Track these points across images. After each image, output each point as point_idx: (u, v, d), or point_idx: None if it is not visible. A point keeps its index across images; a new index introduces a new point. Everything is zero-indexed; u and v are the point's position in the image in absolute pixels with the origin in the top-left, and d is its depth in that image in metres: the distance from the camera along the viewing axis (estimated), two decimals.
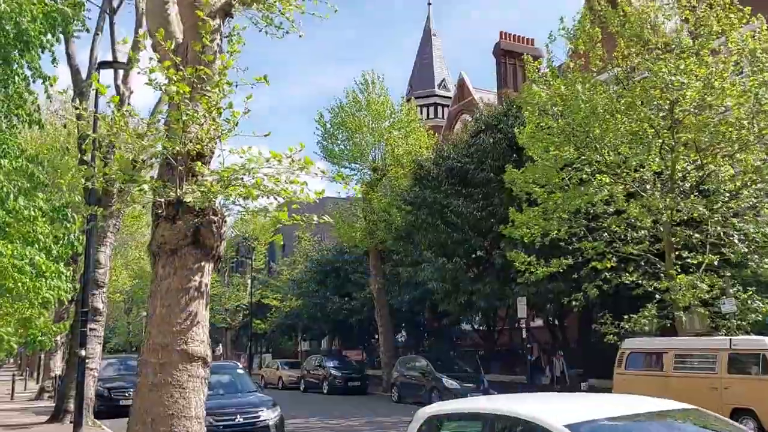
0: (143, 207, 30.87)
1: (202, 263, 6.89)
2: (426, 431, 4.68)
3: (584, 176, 15.56)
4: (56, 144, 21.61)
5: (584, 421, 3.59)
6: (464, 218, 20.96)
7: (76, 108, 7.83)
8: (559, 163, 15.29)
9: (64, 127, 23.48)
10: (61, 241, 13.69)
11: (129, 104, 17.00)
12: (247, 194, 6.54)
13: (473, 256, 21.40)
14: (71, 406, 15.95)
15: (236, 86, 6.81)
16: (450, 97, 50.90)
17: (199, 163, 6.98)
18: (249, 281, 51.51)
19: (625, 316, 15.73)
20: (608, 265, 14.95)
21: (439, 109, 55.55)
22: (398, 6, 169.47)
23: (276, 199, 7.00)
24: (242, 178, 6.60)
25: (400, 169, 25.89)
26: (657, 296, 15.11)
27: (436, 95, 56.35)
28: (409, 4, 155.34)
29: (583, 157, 15.08)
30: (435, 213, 22.00)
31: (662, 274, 15.16)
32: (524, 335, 20.09)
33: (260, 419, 9.51)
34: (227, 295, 50.31)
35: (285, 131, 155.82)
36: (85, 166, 7.27)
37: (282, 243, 7.03)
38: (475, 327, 27.66)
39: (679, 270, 14.79)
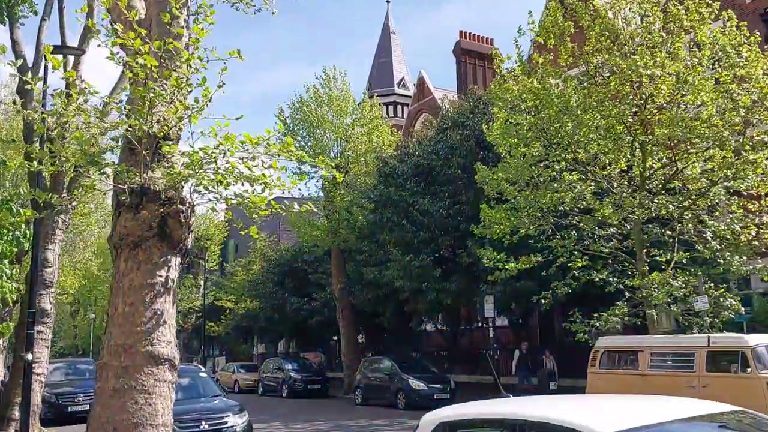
0: (94, 205, 29.67)
1: (169, 257, 6.32)
2: None
3: (554, 174, 15.39)
4: None
5: (635, 428, 3.18)
6: (430, 217, 20.64)
7: (27, 83, 7.13)
8: (528, 159, 15.06)
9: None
10: (5, 237, 12.80)
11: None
12: (221, 180, 6.00)
13: (439, 254, 21.11)
14: (16, 414, 14.98)
15: (207, 61, 6.24)
16: (410, 96, 50.71)
17: (166, 147, 6.41)
18: (202, 282, 50.26)
19: (595, 314, 15.65)
20: (579, 264, 14.80)
21: (399, 108, 55.26)
22: (357, 5, 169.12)
23: (251, 186, 6.47)
24: (216, 162, 6.05)
25: (363, 166, 25.42)
26: (627, 294, 15.06)
27: (396, 94, 56.08)
28: (368, 3, 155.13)
29: (554, 154, 14.89)
30: (401, 211, 21.62)
31: (633, 272, 15.10)
32: (491, 334, 19.88)
33: (227, 425, 8.92)
34: (179, 297, 48.93)
35: (232, 130, 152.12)
36: (38, 148, 6.56)
37: (256, 234, 6.49)
38: (439, 327, 27.39)
39: (649, 268, 14.75)
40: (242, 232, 6.85)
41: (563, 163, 15.41)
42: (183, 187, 6.34)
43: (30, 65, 16.83)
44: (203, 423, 8.48)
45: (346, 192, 25.59)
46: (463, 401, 19.56)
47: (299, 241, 35.37)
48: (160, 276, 6.19)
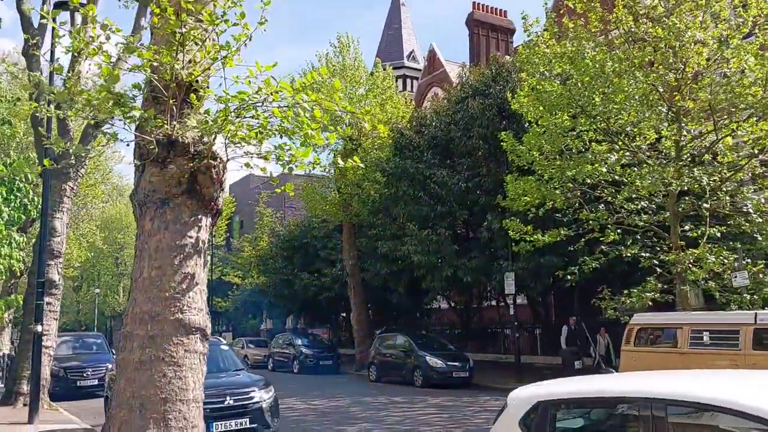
0: (100, 176, 29.06)
1: (199, 216, 5.76)
2: (537, 423, 3.64)
3: (582, 144, 14.75)
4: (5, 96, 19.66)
5: None
6: (448, 190, 20.00)
7: (30, 42, 6.46)
8: (558, 129, 14.38)
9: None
10: (12, 203, 12.24)
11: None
12: (261, 129, 5.39)
13: (457, 230, 20.53)
14: (24, 388, 14.54)
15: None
16: (419, 70, 49.72)
17: (194, 96, 5.81)
18: (208, 258, 49.73)
19: (625, 291, 15.11)
20: (611, 238, 14.20)
21: (408, 81, 54.28)
22: None
23: (289, 139, 5.86)
24: (255, 110, 5.43)
25: (376, 139, 24.72)
26: (658, 270, 14.50)
27: (405, 67, 55.05)
28: None
29: (583, 123, 14.21)
30: (416, 184, 20.98)
31: (665, 247, 14.52)
32: (511, 312, 19.34)
33: (253, 401, 8.39)
34: None
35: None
36: (56, 89, 5.93)
37: (291, 191, 5.90)
38: (452, 305, 26.89)
39: (684, 243, 14.17)
40: (278, 190, 6.22)
41: (591, 133, 14.75)
42: (215, 139, 5.75)
43: (36, 26, 16.13)
44: (228, 398, 7.96)
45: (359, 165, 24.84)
46: (482, 380, 19.32)
47: (308, 216, 34.81)
48: (190, 237, 5.63)
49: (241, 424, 8.17)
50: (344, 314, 35.47)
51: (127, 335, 5.42)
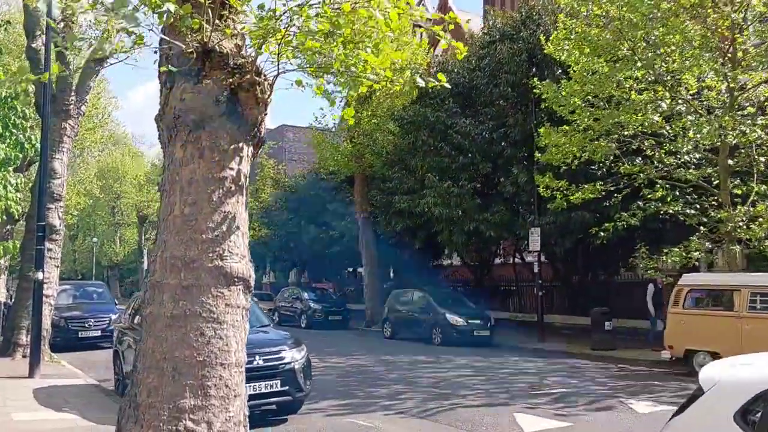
0: (98, 120, 27.83)
1: (240, 144, 4.79)
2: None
3: (627, 91, 13.68)
4: None
5: None
6: (471, 140, 18.97)
7: None
8: (606, 73, 13.26)
9: None
10: (8, 140, 11.20)
11: None
12: (329, 31, 4.38)
13: (479, 182, 19.56)
14: (23, 339, 13.77)
15: None
16: (429, 20, 47.94)
17: None
18: None
19: (665, 250, 14.28)
20: (660, 194, 13.28)
21: (417, 31, 52.33)
22: None
23: (356, 50, 4.84)
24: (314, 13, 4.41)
25: (392, 85, 23.41)
26: (701, 228, 13.63)
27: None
28: None
29: (637, 66, 13.11)
30: (437, 134, 19.92)
31: (711, 204, 13.61)
32: (536, 269, 18.51)
33: (284, 361, 7.56)
34: None
35: None
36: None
37: (352, 119, 4.91)
38: (467, 261, 26.10)
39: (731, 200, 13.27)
40: (334, 116, 5.22)
41: (631, 81, 13.68)
42: (261, 50, 4.74)
43: None
44: (257, 359, 7.13)
45: (373, 114, 23.75)
46: (502, 339, 18.64)
47: (316, 167, 33.75)
48: (230, 169, 4.68)
49: (272, 386, 7.36)
50: (351, 269, 34.79)
51: (155, 285, 4.52)
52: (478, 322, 17.96)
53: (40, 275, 11.37)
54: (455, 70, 20.66)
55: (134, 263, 63.25)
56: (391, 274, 31.79)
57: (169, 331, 4.38)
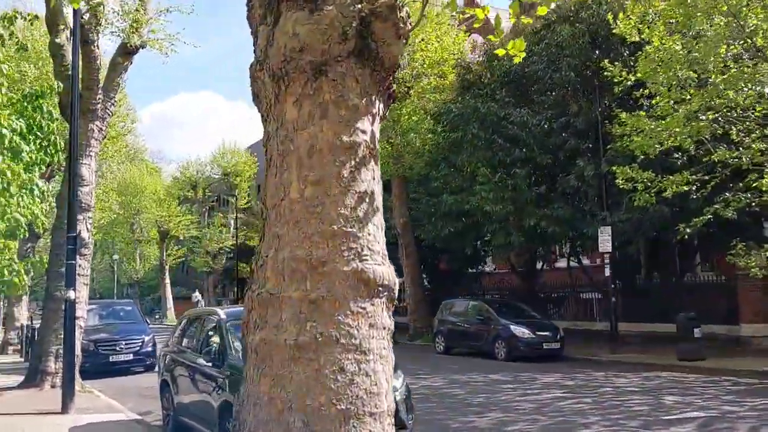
0: (123, 126, 26.75)
1: (372, 97, 3.47)
2: None
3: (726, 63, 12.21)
4: None
5: None
6: (527, 132, 17.55)
7: None
8: (708, 45, 11.76)
9: None
10: (32, 143, 9.98)
11: None
12: None
13: (537, 177, 18.12)
14: (51, 366, 12.55)
15: None
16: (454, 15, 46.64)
17: None
18: (232, 222, 47.80)
19: (765, 245, 12.78)
20: None
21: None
22: None
23: None
24: None
25: (434, 79, 22.15)
26: None
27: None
28: None
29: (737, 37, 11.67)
30: (488, 126, 18.53)
31: None
32: (607, 273, 16.98)
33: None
34: (208, 237, 46.65)
35: (235, 76, 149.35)
36: None
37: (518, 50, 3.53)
38: (515, 267, 24.61)
39: None
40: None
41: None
42: None
43: None
44: None
45: (412, 111, 22.43)
46: (569, 350, 17.11)
47: None
48: (363, 132, 3.37)
49: None
50: None
51: (268, 300, 3.21)
52: (548, 333, 16.47)
53: (72, 294, 10.10)
54: (504, 58, 19.24)
55: (155, 280, 62.41)
56: (426, 283, 30.43)
57: (294, 366, 3.06)
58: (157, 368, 9.22)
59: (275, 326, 3.12)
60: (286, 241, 3.17)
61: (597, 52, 16.71)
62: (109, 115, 13.65)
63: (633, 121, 13.15)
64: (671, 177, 13.28)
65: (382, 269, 3.22)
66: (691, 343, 14.49)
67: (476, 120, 18.63)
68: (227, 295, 58.50)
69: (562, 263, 24.84)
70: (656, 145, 12.70)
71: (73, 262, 10.25)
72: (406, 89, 22.52)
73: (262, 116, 3.54)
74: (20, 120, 9.43)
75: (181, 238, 49.04)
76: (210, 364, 6.95)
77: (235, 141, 65.69)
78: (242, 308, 7.81)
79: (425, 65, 22.09)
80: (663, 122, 12.41)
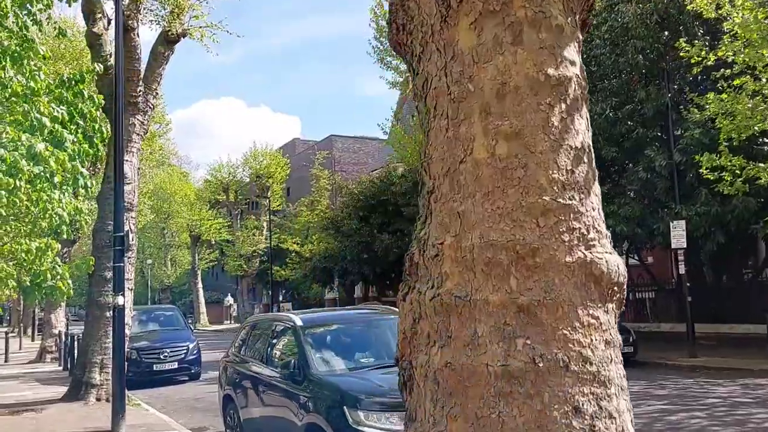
0: (161, 126, 26.12)
1: (576, 17, 2.44)
2: None
3: None
4: None
5: None
6: (592, 121, 16.35)
7: None
8: None
9: None
10: (73, 132, 9.13)
11: None
12: None
13: (601, 171, 16.92)
14: (96, 377, 11.78)
15: None
16: None
17: None
18: (265, 224, 47.15)
19: None
20: None
21: None
22: None
23: None
24: None
25: None
26: None
27: None
28: None
29: None
30: None
31: None
32: (681, 270, 15.72)
33: None
34: (241, 240, 46.02)
35: (256, 82, 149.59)
36: None
37: None
38: None
39: None
40: None
41: None
42: None
43: None
44: None
45: None
46: (649, 356, 15.96)
47: (383, 170, 31.60)
48: (572, 62, 2.32)
49: None
50: None
51: (448, 307, 2.21)
52: (622, 336, 15.25)
53: (120, 300, 9.26)
54: None
55: (186, 285, 62.09)
56: None
57: (505, 406, 2.05)
58: (218, 381, 8.30)
59: (467, 344, 2.13)
60: (472, 222, 2.18)
61: (666, 33, 15.50)
62: (150, 108, 12.85)
63: (720, 104, 11.95)
64: (761, 164, 12.08)
65: (615, 259, 2.21)
66: None
67: None
68: (260, 299, 57.94)
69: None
70: (756, 127, 11.49)
71: (122, 264, 9.42)
72: None
73: (412, 56, 2.55)
74: (61, 107, 8.62)
75: (213, 242, 48.46)
76: (287, 379, 6.02)
77: (266, 142, 65.17)
78: (314, 313, 6.68)
79: None
80: (734, 99, 11.22)
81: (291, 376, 5.94)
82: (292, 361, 5.96)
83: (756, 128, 11.57)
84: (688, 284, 15.60)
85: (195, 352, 15.73)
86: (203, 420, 10.49)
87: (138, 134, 12.42)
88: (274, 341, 6.84)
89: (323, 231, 36.22)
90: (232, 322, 60.44)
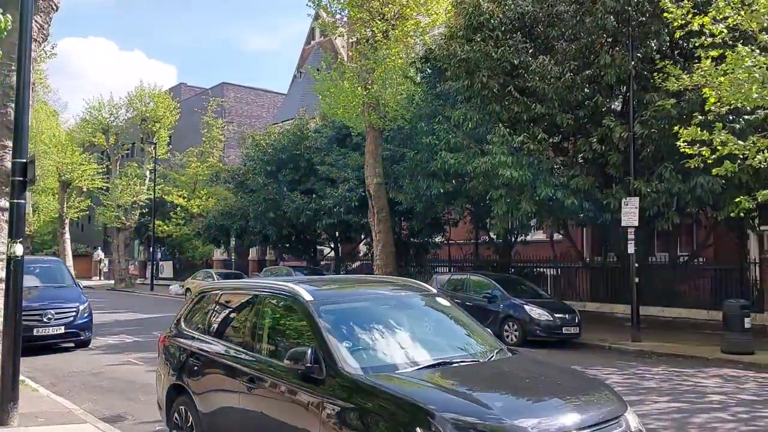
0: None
1: None
2: None
3: None
4: None
5: None
6: (547, 84, 15.36)
7: None
8: None
9: None
10: None
11: None
12: None
13: (555, 139, 16.07)
14: None
15: None
16: None
17: None
18: (148, 173, 43.41)
19: None
20: None
21: None
22: None
23: None
24: None
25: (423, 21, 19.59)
26: None
27: None
28: None
29: None
30: (498, 76, 16.23)
31: None
32: (631, 249, 15.12)
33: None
34: (119, 189, 42.10)
35: (129, 25, 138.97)
36: None
37: None
38: (493, 238, 22.69)
39: None
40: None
41: None
42: None
43: None
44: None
45: (398, 53, 19.76)
46: (592, 337, 15.35)
47: (296, 124, 29.44)
48: None
49: None
50: (332, 245, 30.83)
51: None
52: (566, 316, 14.56)
53: (19, 249, 7.03)
54: None
55: (50, 235, 56.73)
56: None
57: None
58: (159, 364, 6.40)
59: None
60: None
61: None
62: (54, 9, 10.30)
63: (711, 73, 11.13)
64: (757, 138, 11.47)
65: None
66: (740, 335, 12.95)
67: (486, 68, 16.25)
68: (134, 254, 54.01)
69: (538, 234, 23.10)
70: (754, 96, 10.77)
71: (23, 201, 7.19)
72: (384, 30, 19.83)
73: None
74: None
75: (85, 189, 44.07)
76: (297, 376, 4.36)
77: (154, 82, 60.16)
78: (333, 286, 4.93)
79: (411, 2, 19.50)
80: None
81: (304, 374, 4.28)
82: (308, 352, 4.29)
83: (754, 99, 10.87)
84: (636, 265, 15.10)
85: (86, 315, 13.39)
86: (113, 404, 8.50)
87: (36, 41, 9.88)
88: (264, 320, 5.08)
89: (223, 185, 33.64)
90: (102, 278, 55.97)
